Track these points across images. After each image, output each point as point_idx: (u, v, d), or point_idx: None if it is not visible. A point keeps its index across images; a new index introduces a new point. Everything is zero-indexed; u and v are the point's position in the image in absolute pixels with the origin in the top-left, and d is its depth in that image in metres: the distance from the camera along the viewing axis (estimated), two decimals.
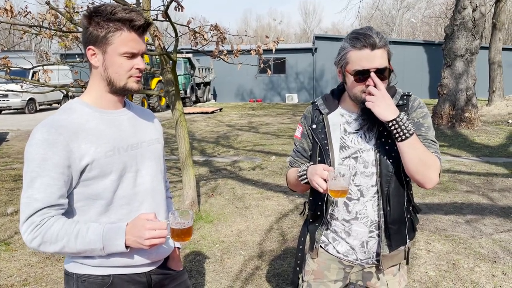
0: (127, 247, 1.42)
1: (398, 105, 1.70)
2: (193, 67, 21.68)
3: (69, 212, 1.47)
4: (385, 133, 1.66)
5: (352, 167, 1.71)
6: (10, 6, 3.75)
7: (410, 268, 3.74)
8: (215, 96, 25.75)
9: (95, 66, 1.48)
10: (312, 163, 1.75)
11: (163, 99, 19.11)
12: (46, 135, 1.37)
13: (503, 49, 17.95)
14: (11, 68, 4.81)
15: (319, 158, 1.76)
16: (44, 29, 4.48)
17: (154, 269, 1.61)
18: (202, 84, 23.24)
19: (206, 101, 24.08)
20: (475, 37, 11.29)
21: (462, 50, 11.30)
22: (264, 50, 5.22)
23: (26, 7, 4.61)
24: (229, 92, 25.51)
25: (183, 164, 5.07)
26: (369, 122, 1.68)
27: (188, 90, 21.04)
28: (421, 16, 50.91)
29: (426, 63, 23.62)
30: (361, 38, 1.57)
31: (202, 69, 22.99)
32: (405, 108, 1.71)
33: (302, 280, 1.93)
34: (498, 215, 5.04)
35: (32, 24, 4.58)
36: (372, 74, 1.57)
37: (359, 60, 1.58)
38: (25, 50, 18.24)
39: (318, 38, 25.20)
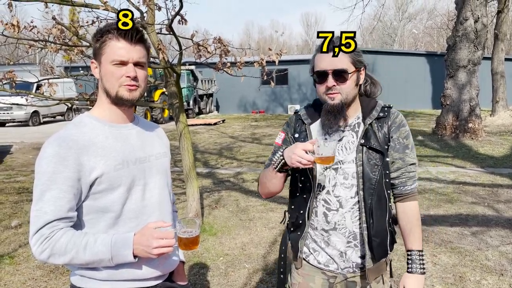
0: (135, 257, 1.42)
1: (379, 117, 1.74)
2: (196, 79, 21.79)
3: (78, 225, 1.48)
4: (367, 146, 1.70)
5: (332, 178, 1.74)
6: (17, 21, 3.80)
7: None
8: (217, 108, 25.82)
9: (97, 78, 1.54)
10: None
11: (166, 111, 19.16)
12: (57, 149, 1.40)
13: (506, 59, 17.96)
14: (16, 82, 4.85)
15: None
16: (50, 43, 4.52)
17: (161, 283, 1.61)
18: (204, 96, 23.34)
19: (209, 112, 24.14)
20: (477, 48, 11.32)
21: (464, 61, 11.32)
22: (267, 62, 5.25)
23: (32, 22, 4.66)
24: (231, 104, 25.58)
25: (187, 176, 5.06)
26: (331, 122, 1.71)
27: (191, 102, 21.11)
28: (423, 27, 51.17)
29: (428, 73, 23.65)
30: (322, 43, 1.69)
31: (205, 81, 23.10)
32: (387, 121, 1.75)
33: None
34: (504, 227, 5.00)
35: (38, 38, 4.63)
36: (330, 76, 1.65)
37: (319, 62, 1.68)
38: (30, 63, 18.39)
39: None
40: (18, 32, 4.18)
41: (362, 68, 1.72)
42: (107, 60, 1.47)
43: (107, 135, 1.51)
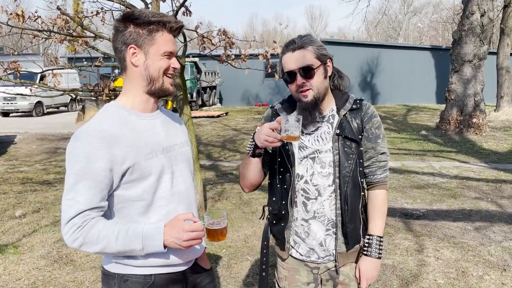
0: (165, 247, 1.45)
1: (352, 109, 1.82)
2: (199, 71, 21.73)
3: (108, 214, 1.51)
4: (342, 136, 1.77)
5: (310, 167, 1.80)
6: (22, 11, 3.78)
7: (418, 275, 3.71)
8: (221, 100, 25.79)
9: (135, 65, 1.50)
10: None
11: (169, 103, 19.12)
12: (89, 139, 1.42)
13: None
14: (20, 72, 4.85)
15: (279, 159, 1.84)
16: (54, 33, 4.51)
17: (188, 268, 1.66)
18: (208, 88, 23.30)
19: (212, 105, 24.13)
20: (483, 43, 11.24)
21: (470, 56, 11.25)
22: (271, 55, 5.23)
23: (36, 12, 4.65)
24: (235, 96, 25.53)
25: None
26: (308, 118, 1.77)
27: (194, 94, 21.07)
28: (428, 21, 50.82)
29: (433, 68, 23.53)
30: (285, 44, 1.77)
31: (208, 73, 23.04)
32: (360, 113, 1.83)
33: (279, 286, 2.01)
34: (508, 223, 4.99)
35: (42, 28, 4.62)
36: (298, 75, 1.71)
37: (286, 63, 1.75)
38: (34, 54, 18.38)
39: (324, 42, 25.05)
40: (23, 22, 4.17)
41: (328, 61, 1.79)
42: (158, 51, 1.48)
43: (135, 124, 1.52)
